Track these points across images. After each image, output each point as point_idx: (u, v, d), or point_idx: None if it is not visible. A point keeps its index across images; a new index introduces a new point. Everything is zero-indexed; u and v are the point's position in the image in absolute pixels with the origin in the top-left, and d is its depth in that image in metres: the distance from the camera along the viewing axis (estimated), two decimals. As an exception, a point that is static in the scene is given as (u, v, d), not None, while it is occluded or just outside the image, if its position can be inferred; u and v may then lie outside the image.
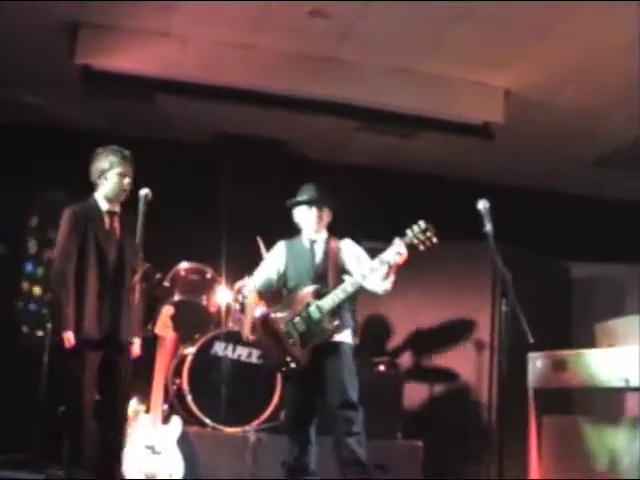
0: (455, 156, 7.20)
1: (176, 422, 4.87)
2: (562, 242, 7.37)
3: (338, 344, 4.46)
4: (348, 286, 4.38)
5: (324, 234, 4.68)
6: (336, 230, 4.77)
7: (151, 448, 4.71)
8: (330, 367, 4.41)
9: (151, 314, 5.20)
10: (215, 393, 5.40)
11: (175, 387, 5.56)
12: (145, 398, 4.87)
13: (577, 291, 7.43)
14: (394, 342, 6.68)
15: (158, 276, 5.75)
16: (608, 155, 7.11)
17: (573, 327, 7.13)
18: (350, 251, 4.62)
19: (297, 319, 4.45)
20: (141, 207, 4.14)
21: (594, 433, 4.48)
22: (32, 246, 6.63)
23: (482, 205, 4.01)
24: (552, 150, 7.11)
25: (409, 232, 4.26)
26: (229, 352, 5.56)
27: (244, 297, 5.85)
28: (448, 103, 6.15)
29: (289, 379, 4.59)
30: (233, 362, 5.53)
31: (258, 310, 4.77)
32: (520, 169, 7.51)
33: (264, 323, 4.60)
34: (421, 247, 4.23)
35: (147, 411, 4.81)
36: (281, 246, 4.74)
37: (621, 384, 4.33)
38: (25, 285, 6.57)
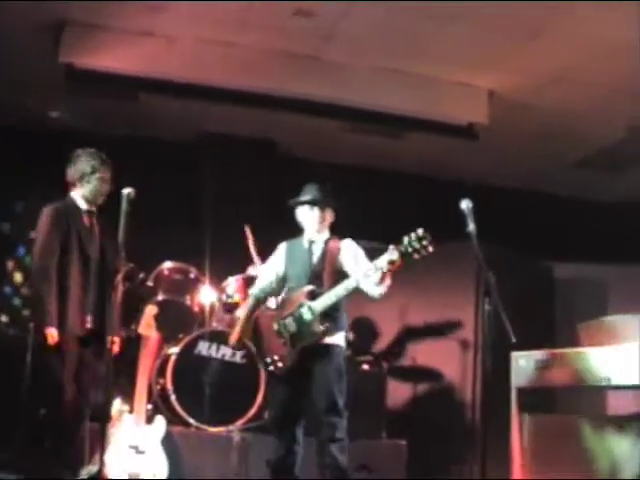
0: (440, 157, 7.22)
1: (160, 422, 4.85)
2: (545, 242, 7.39)
3: (329, 347, 4.40)
4: (341, 289, 4.30)
5: (325, 234, 4.61)
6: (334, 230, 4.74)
7: (135, 448, 4.68)
8: (318, 370, 4.36)
9: (135, 314, 5.18)
10: (199, 393, 5.38)
11: (159, 387, 5.54)
12: (129, 398, 4.84)
13: (560, 291, 7.45)
14: (379, 341, 6.69)
15: (141, 276, 5.72)
16: (592, 156, 7.15)
17: (556, 327, 7.15)
18: (349, 252, 4.53)
19: (289, 319, 4.41)
20: (124, 206, 4.09)
21: (578, 432, 4.50)
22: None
23: (465, 205, 3.98)
24: (536, 151, 7.14)
25: (405, 239, 4.06)
26: (213, 352, 5.54)
27: (228, 297, 5.87)
28: (433, 104, 6.18)
29: (276, 378, 4.56)
30: (217, 362, 5.52)
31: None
32: (504, 170, 7.55)
33: (257, 320, 4.58)
34: (415, 256, 4.04)
35: (131, 411, 4.78)
36: (281, 248, 4.70)
37: (604, 383, 4.34)
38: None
